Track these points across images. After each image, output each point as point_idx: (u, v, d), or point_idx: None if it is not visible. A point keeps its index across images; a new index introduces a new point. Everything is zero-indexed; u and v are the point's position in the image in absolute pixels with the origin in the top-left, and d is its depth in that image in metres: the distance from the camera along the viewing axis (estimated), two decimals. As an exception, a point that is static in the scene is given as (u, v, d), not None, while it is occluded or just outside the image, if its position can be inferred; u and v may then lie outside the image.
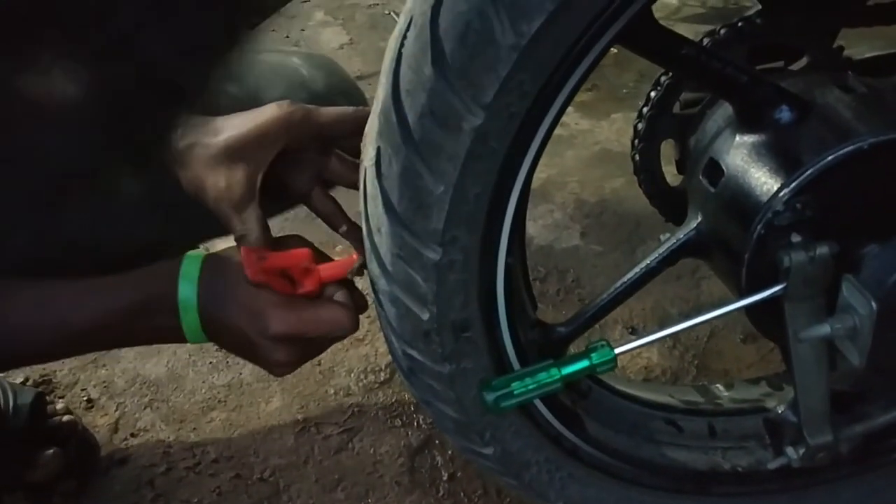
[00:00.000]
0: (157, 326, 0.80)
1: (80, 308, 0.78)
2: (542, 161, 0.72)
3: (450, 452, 1.20)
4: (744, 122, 0.80)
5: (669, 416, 0.97)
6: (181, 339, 0.81)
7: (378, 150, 0.71)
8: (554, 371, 0.73)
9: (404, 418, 1.25)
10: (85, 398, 1.29)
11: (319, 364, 1.34)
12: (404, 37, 0.68)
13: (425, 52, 0.65)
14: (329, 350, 1.37)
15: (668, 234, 0.86)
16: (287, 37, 2.42)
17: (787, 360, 0.86)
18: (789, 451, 0.81)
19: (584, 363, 0.74)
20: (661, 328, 0.75)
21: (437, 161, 0.67)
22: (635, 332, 1.38)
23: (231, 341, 0.83)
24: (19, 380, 1.28)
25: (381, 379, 1.31)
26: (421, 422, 1.24)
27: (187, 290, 0.79)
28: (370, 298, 0.82)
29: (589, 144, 1.94)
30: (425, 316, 0.74)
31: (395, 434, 1.23)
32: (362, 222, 0.77)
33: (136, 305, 0.79)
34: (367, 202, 0.74)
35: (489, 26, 0.62)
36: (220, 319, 0.80)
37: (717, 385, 1.03)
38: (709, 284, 1.45)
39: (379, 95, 0.71)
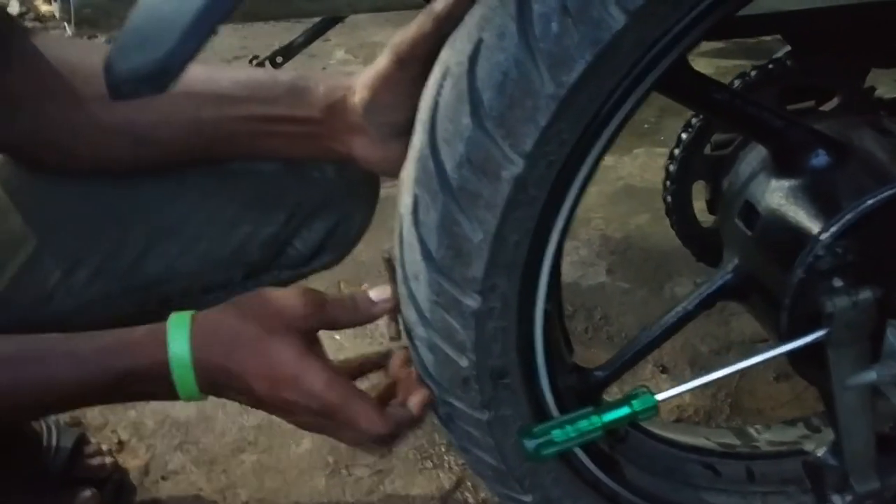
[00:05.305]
0: (145, 390, 0.75)
1: (62, 371, 0.73)
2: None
3: (482, 494, 1.19)
4: (780, 166, 0.80)
5: (706, 460, 0.96)
6: (172, 397, 0.74)
7: (415, 197, 0.71)
8: (595, 419, 0.73)
9: (435, 460, 1.24)
10: (115, 440, 1.29)
11: (349, 405, 1.34)
12: (440, 86, 0.68)
13: (463, 102, 0.66)
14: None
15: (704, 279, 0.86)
16: (309, 75, 2.45)
17: (827, 404, 0.85)
18: (835, 499, 0.80)
19: (625, 410, 0.73)
20: (702, 371, 0.74)
21: (475, 209, 0.67)
22: (666, 371, 1.37)
23: (237, 398, 0.75)
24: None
25: (411, 420, 1.31)
26: (452, 463, 1.23)
27: (179, 353, 0.71)
28: (406, 344, 0.81)
29: (612, 180, 1.95)
30: (464, 363, 0.74)
31: (426, 476, 1.22)
32: (398, 269, 0.77)
33: (121, 374, 0.72)
34: (403, 249, 0.74)
35: (528, 77, 0.63)
36: (226, 371, 0.72)
37: (754, 427, 1.02)
38: (738, 322, 1.44)
39: (415, 144, 0.71)
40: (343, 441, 0.75)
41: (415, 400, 0.76)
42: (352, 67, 2.53)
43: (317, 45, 2.40)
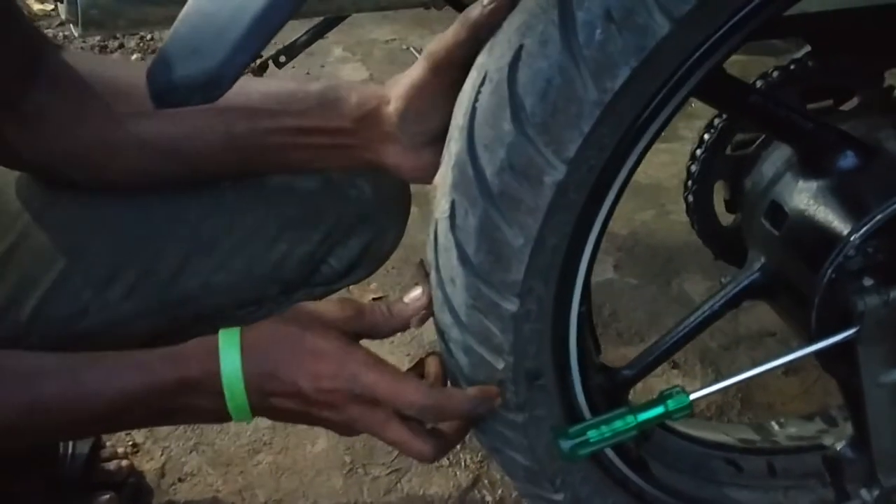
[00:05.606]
0: (194, 404, 0.73)
1: (112, 385, 0.72)
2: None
3: (500, 491, 1.20)
4: (808, 166, 0.81)
5: (728, 456, 0.97)
6: (220, 416, 0.74)
7: (452, 202, 0.71)
8: (630, 418, 0.73)
9: (451, 458, 1.25)
10: (130, 442, 1.29)
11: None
12: (478, 92, 0.69)
13: (503, 108, 0.66)
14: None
15: (729, 278, 0.87)
16: (308, 73, 2.44)
17: (851, 400, 0.86)
18: (863, 493, 0.81)
19: (659, 410, 0.74)
20: (739, 371, 0.76)
21: (516, 214, 0.68)
22: (677, 367, 1.38)
23: (287, 407, 0.74)
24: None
25: (426, 418, 1.31)
26: (469, 461, 1.24)
27: (231, 364, 0.71)
28: (439, 348, 0.81)
29: (615, 176, 1.95)
30: (500, 365, 0.75)
31: (443, 474, 1.23)
32: (432, 273, 0.77)
33: (172, 383, 0.72)
34: (438, 254, 0.75)
35: (571, 83, 0.63)
36: (274, 377, 0.72)
37: (772, 422, 1.03)
38: (746, 317, 1.45)
39: (451, 149, 0.72)
40: (391, 440, 0.74)
41: (475, 388, 0.75)
42: (350, 65, 2.53)
43: (315, 43, 2.40)
